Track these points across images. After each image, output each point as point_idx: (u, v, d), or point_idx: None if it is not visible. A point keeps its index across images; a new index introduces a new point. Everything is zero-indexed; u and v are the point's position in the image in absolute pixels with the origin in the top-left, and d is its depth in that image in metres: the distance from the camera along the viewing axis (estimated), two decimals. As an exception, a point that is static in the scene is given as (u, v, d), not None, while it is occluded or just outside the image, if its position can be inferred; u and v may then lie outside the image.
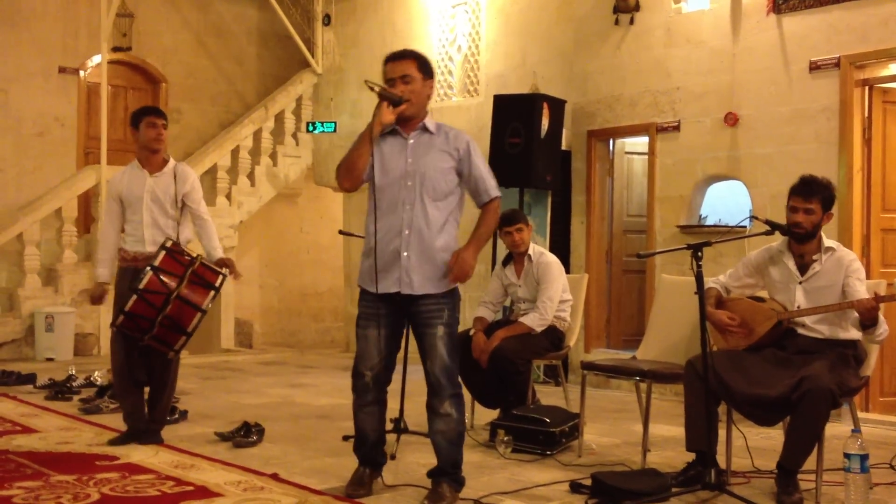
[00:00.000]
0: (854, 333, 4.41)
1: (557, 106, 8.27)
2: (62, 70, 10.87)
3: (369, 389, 4.15)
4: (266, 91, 12.14)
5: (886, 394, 6.75)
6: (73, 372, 7.39)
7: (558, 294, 5.79)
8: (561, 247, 8.40)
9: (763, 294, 4.74)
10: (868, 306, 4.23)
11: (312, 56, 11.74)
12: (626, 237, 8.98)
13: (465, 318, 8.58)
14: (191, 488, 4.25)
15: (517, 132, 8.05)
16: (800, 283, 4.50)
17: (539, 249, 5.96)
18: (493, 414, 5.76)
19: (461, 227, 4.19)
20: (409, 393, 5.36)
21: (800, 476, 4.23)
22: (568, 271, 6.40)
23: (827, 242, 4.52)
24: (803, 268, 4.52)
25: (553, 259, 5.91)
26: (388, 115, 3.98)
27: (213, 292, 5.02)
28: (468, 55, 9.90)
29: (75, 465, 4.66)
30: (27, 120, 10.55)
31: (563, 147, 8.54)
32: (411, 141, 4.12)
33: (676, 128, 7.88)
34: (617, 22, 8.32)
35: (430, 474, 4.14)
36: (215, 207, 10.91)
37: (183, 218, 5.44)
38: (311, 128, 11.45)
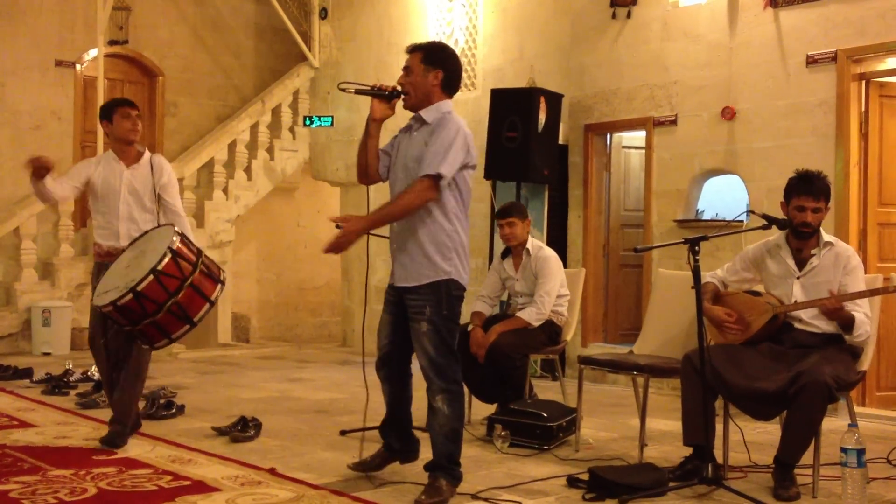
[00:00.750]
0: (851, 328, 4.41)
1: (554, 100, 8.26)
2: (59, 63, 10.84)
3: (380, 367, 4.35)
4: (263, 85, 12.11)
5: (883, 388, 6.76)
6: (70, 366, 7.39)
7: (556, 289, 5.79)
8: (558, 241, 8.40)
9: (760, 288, 4.74)
10: (830, 307, 4.23)
11: (309, 50, 11.71)
12: (623, 231, 8.98)
13: (463, 312, 8.57)
14: (188, 483, 4.25)
15: (514, 126, 8.05)
16: (797, 277, 4.51)
17: (537, 244, 5.95)
18: (491, 408, 5.77)
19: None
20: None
21: (797, 470, 4.24)
22: (565, 266, 6.39)
23: (825, 237, 4.52)
24: (801, 262, 4.52)
25: (551, 253, 5.90)
26: (381, 110, 4.11)
27: (220, 285, 4.88)
28: (465, 49, 9.88)
29: (72, 459, 4.67)
30: (24, 113, 10.53)
31: (561, 141, 8.53)
32: (415, 133, 4.16)
33: (673, 122, 7.88)
34: (614, 16, 8.30)
35: (427, 468, 4.16)
36: (212, 201, 10.91)
37: (158, 211, 5.32)
38: (308, 122, 11.42)
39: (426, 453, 4.45)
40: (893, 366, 6.81)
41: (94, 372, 7.23)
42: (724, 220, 7.65)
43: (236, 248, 11.60)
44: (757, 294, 4.69)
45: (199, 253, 4.85)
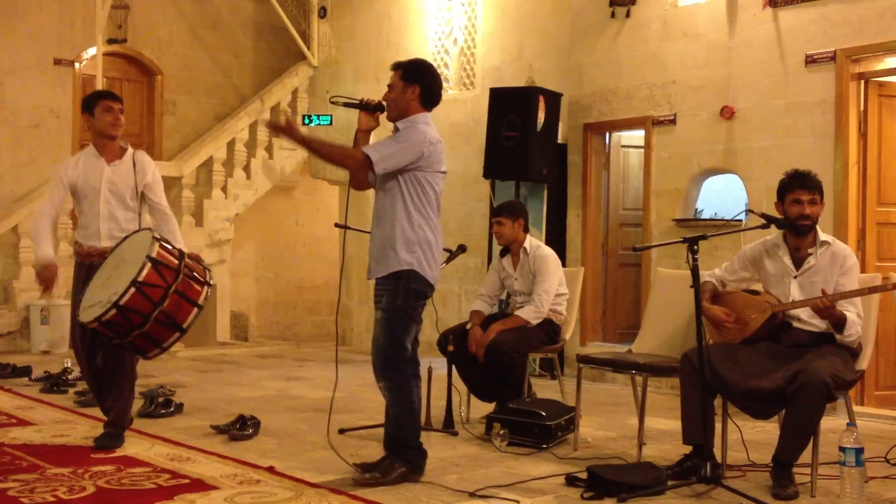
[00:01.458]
0: (849, 328, 4.41)
1: (553, 99, 8.26)
2: (57, 62, 10.83)
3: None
4: (262, 83, 12.11)
5: (881, 387, 6.77)
6: (69, 364, 7.38)
7: (554, 287, 5.80)
8: (557, 240, 8.40)
9: (758, 287, 4.75)
10: (820, 305, 4.24)
11: (308, 48, 11.71)
12: (622, 230, 8.99)
13: (462, 312, 8.59)
14: (186, 481, 4.25)
15: (513, 125, 8.05)
16: (794, 276, 4.51)
17: (536, 243, 5.96)
18: (489, 407, 5.77)
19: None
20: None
21: (795, 469, 4.24)
22: (564, 265, 6.40)
23: (822, 236, 4.52)
24: (798, 261, 4.52)
25: (549, 252, 5.91)
26: (366, 122, 4.42)
27: (206, 288, 4.76)
28: (464, 48, 9.88)
29: (71, 457, 4.66)
30: (23, 112, 10.52)
31: (560, 140, 8.54)
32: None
33: (672, 121, 7.88)
34: (613, 15, 8.31)
35: (384, 448, 4.41)
36: (211, 200, 10.91)
37: (142, 210, 5.11)
38: (306, 120, 11.40)
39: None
40: (892, 365, 6.82)
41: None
42: (723, 220, 7.65)
43: (235, 246, 11.60)
44: (755, 293, 4.70)
45: (181, 256, 4.69)
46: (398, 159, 4.25)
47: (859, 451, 3.81)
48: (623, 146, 9.06)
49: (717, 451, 4.42)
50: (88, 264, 4.96)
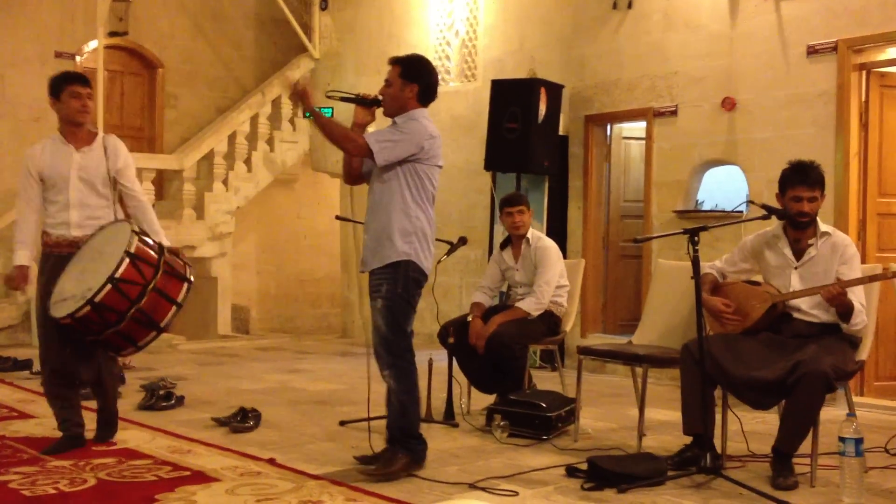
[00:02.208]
0: (850, 318, 4.41)
1: (555, 91, 8.25)
2: (59, 55, 10.82)
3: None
4: (263, 76, 12.10)
5: (881, 378, 6.77)
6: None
7: (555, 279, 5.79)
8: (558, 232, 8.39)
9: (759, 279, 4.75)
10: (833, 293, 4.23)
11: (310, 41, 11.69)
12: (623, 222, 8.98)
13: (462, 304, 8.59)
14: (187, 473, 4.26)
15: (515, 117, 8.04)
16: (795, 268, 4.51)
17: (537, 234, 5.96)
18: (490, 399, 5.77)
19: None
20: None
21: (795, 460, 4.25)
22: (565, 256, 6.39)
23: (823, 227, 4.51)
24: (799, 253, 4.52)
25: (551, 244, 5.91)
26: (362, 116, 4.45)
27: (186, 284, 4.54)
28: (466, 40, 9.87)
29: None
30: (23, 105, 10.51)
31: (561, 132, 8.53)
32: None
33: (674, 112, 7.87)
34: (615, 6, 8.28)
35: (386, 440, 4.38)
36: (212, 193, 10.90)
37: (114, 197, 4.81)
38: (307, 114, 11.39)
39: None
40: (892, 356, 6.81)
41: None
42: (724, 211, 7.64)
43: (236, 239, 11.60)
44: (756, 284, 4.70)
45: (160, 251, 4.48)
46: (399, 150, 4.27)
47: (859, 442, 3.82)
48: (624, 138, 9.05)
49: (717, 442, 4.42)
50: (57, 255, 4.64)
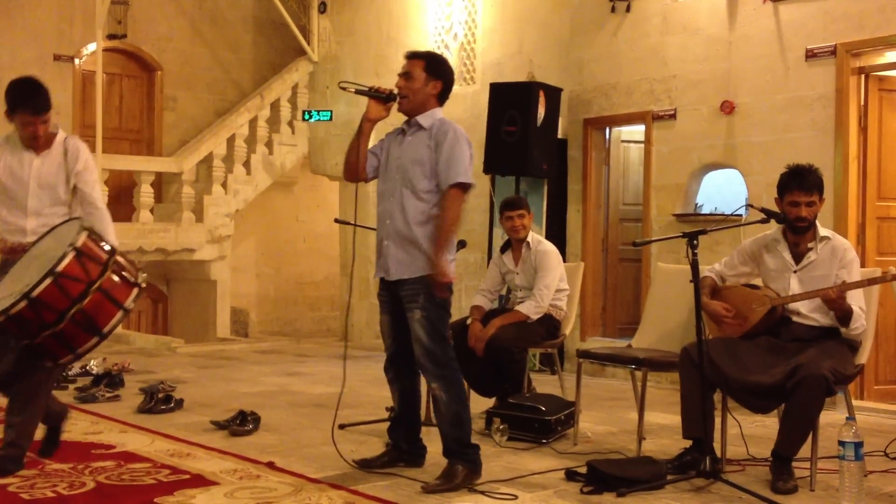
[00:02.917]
0: (850, 322, 4.41)
1: (554, 94, 8.25)
2: (57, 58, 10.83)
3: (388, 368, 4.49)
4: (262, 79, 12.10)
5: (881, 382, 6.77)
6: (69, 360, 7.37)
7: (555, 282, 5.79)
8: (557, 235, 8.39)
9: (758, 282, 4.75)
10: (831, 296, 4.23)
11: (308, 44, 11.70)
12: (622, 226, 8.98)
13: (462, 307, 8.59)
14: (187, 476, 4.26)
15: (513, 120, 8.04)
16: (794, 271, 4.51)
17: (537, 237, 5.96)
18: (489, 402, 5.77)
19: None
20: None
21: (794, 464, 4.25)
22: (564, 260, 6.40)
23: (822, 231, 4.52)
24: (798, 256, 4.52)
25: (551, 248, 5.91)
26: (376, 111, 4.27)
27: (136, 290, 4.11)
28: (464, 43, 9.87)
29: (71, 453, 4.67)
30: (22, 108, 10.50)
31: (560, 135, 8.53)
32: (408, 137, 4.33)
33: (673, 116, 7.87)
34: (613, 9, 8.29)
35: (444, 454, 4.25)
36: (211, 196, 10.91)
37: (74, 204, 4.52)
38: (306, 116, 11.41)
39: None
40: (891, 359, 6.81)
41: (94, 366, 7.25)
42: (723, 214, 7.64)
43: (235, 242, 11.60)
44: (755, 288, 4.70)
45: (111, 252, 4.08)
46: (470, 165, 4.21)
47: (858, 446, 3.81)
48: (623, 141, 9.06)
49: (716, 446, 4.42)
50: (11, 262, 4.34)
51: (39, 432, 4.47)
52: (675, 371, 4.64)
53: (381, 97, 4.26)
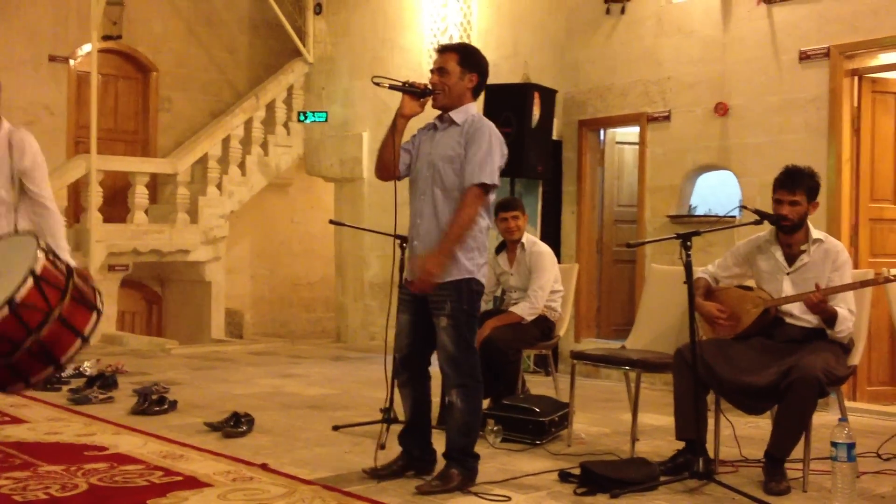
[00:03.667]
0: (842, 323, 4.42)
1: (548, 95, 8.26)
2: (52, 58, 10.83)
3: (401, 371, 4.35)
4: (257, 80, 12.10)
5: (874, 383, 6.78)
6: (63, 362, 7.35)
7: (549, 284, 5.80)
8: (551, 236, 8.40)
9: (751, 283, 4.75)
10: (813, 300, 4.24)
11: (304, 45, 11.70)
12: (616, 227, 8.99)
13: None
14: (180, 478, 4.25)
15: (508, 122, 8.03)
16: (787, 273, 4.52)
17: (532, 239, 5.96)
18: (483, 403, 5.76)
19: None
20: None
21: (787, 465, 4.25)
22: (559, 261, 6.40)
23: (815, 233, 4.52)
24: (791, 258, 4.53)
25: (546, 249, 5.91)
26: (410, 107, 4.13)
27: (94, 314, 3.70)
28: (459, 44, 9.87)
29: (64, 455, 4.65)
30: (17, 109, 10.48)
31: (554, 137, 8.53)
32: (440, 132, 4.22)
33: (667, 117, 7.88)
34: (608, 11, 8.30)
35: (443, 456, 4.24)
36: (206, 197, 10.90)
37: (20, 203, 4.18)
38: (302, 117, 11.42)
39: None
40: (884, 361, 6.83)
41: (87, 367, 7.24)
42: (717, 216, 7.65)
43: (230, 243, 11.59)
44: (748, 289, 4.70)
45: (69, 273, 3.63)
46: (497, 167, 4.10)
47: (851, 447, 3.82)
48: (618, 143, 9.06)
49: (709, 447, 4.43)
50: None
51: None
52: (669, 372, 4.64)
53: (415, 92, 4.13)
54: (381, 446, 4.75)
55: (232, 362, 9.02)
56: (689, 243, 4.31)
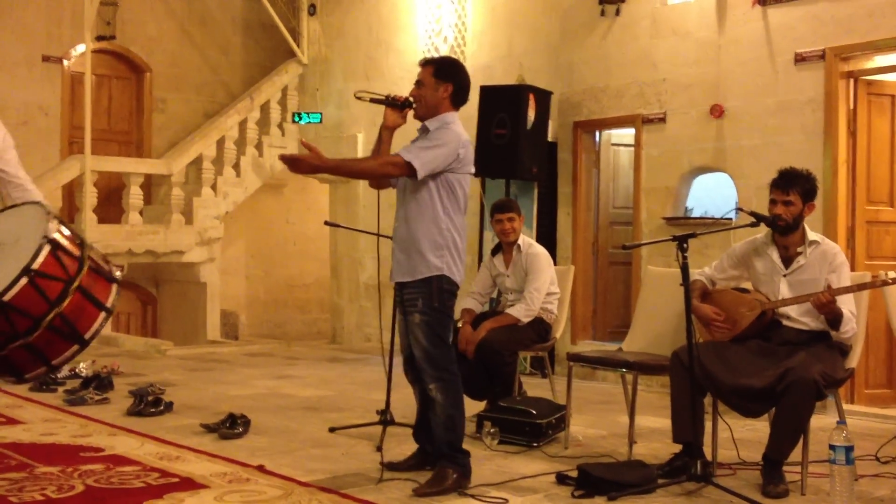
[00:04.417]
0: (840, 326, 4.42)
1: (543, 97, 8.26)
2: (46, 59, 10.80)
3: (407, 369, 4.49)
4: (251, 81, 12.09)
5: (872, 386, 6.79)
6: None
7: (546, 286, 5.79)
8: (547, 238, 8.40)
9: (748, 285, 4.76)
10: (822, 300, 4.24)
11: (298, 46, 11.69)
12: (612, 229, 8.99)
13: (455, 310, 8.57)
14: (176, 480, 4.24)
15: (503, 123, 8.04)
16: (784, 275, 4.52)
17: (528, 241, 5.96)
18: (480, 405, 5.76)
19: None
20: (396, 385, 5.35)
21: (785, 468, 4.26)
22: (554, 263, 6.39)
23: (811, 235, 4.53)
24: (787, 260, 4.53)
25: (542, 251, 5.91)
26: (393, 119, 4.31)
27: (115, 286, 3.48)
28: (454, 46, 9.87)
29: (60, 456, 4.65)
30: (11, 109, 10.46)
31: (550, 138, 8.53)
32: (418, 140, 4.33)
33: (662, 119, 7.89)
34: (603, 13, 8.30)
35: (434, 456, 4.28)
36: (201, 198, 10.88)
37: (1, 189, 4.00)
38: (296, 118, 11.40)
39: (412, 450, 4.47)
40: (882, 363, 6.84)
41: (83, 369, 7.22)
42: (713, 218, 7.66)
43: (225, 244, 11.57)
44: (745, 291, 4.71)
45: (82, 243, 3.42)
46: (438, 162, 4.15)
47: (849, 450, 3.82)
48: (613, 144, 9.06)
49: (707, 450, 4.42)
50: None
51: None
52: (666, 374, 4.64)
53: (396, 105, 4.31)
54: (378, 448, 4.77)
55: (227, 363, 9.01)
56: (685, 245, 4.31)
